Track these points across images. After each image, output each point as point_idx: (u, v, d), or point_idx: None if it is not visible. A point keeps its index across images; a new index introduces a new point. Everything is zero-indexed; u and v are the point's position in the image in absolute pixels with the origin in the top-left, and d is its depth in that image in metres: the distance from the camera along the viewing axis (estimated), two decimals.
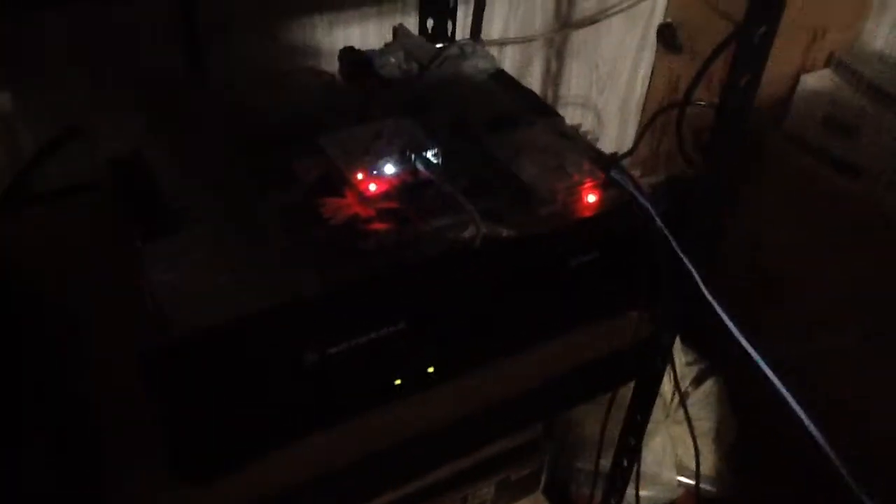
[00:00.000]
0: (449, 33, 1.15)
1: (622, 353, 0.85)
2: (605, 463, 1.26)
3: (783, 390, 0.69)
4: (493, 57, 1.01)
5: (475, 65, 0.98)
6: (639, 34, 1.40)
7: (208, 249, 0.70)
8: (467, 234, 0.72)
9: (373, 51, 1.03)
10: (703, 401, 1.29)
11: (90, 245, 0.88)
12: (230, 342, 0.63)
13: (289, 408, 0.71)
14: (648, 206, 0.77)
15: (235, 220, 0.74)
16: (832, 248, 1.26)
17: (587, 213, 0.76)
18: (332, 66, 1.06)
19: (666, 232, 0.76)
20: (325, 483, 0.73)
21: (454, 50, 0.99)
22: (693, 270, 0.75)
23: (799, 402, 0.68)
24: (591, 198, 0.76)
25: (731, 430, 1.31)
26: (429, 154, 0.77)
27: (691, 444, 1.23)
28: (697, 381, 1.32)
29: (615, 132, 1.52)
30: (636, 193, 0.77)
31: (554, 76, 1.35)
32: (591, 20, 1.30)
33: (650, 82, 1.48)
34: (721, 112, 0.73)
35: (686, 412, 1.05)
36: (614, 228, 0.77)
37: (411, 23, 1.15)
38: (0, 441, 0.71)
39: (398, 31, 1.09)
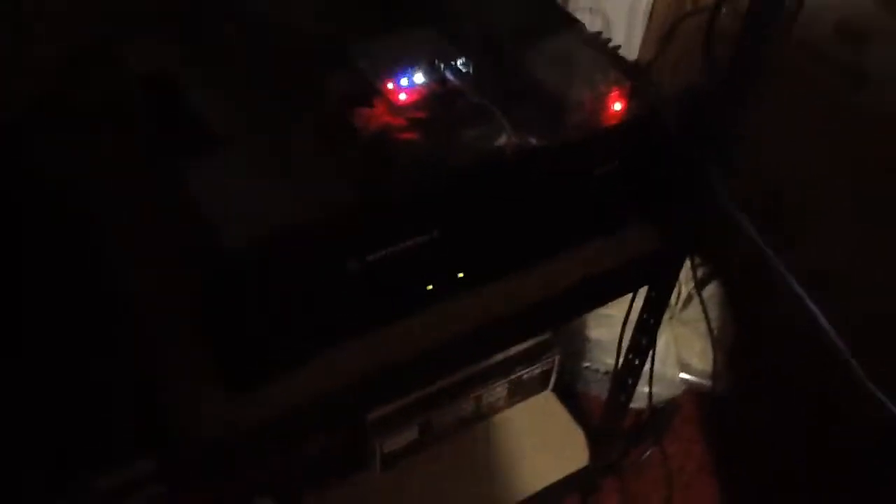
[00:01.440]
0: None
1: (638, 261, 0.88)
2: (610, 361, 1.32)
3: (801, 293, 0.72)
4: None
5: None
6: None
7: (249, 165, 0.72)
8: (498, 143, 0.74)
9: None
10: (707, 301, 1.34)
11: (122, 162, 0.89)
12: (278, 252, 0.65)
13: (330, 314, 0.74)
14: (670, 114, 0.78)
15: (271, 135, 0.75)
16: (837, 158, 1.28)
17: (613, 122, 0.78)
18: None
19: (690, 142, 0.78)
20: (359, 388, 0.77)
21: None
22: (715, 180, 0.77)
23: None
24: (617, 106, 0.78)
25: (733, 330, 1.36)
26: (458, 63, 0.78)
27: (694, 343, 1.29)
28: (702, 283, 1.37)
29: (623, 37, 1.51)
30: (658, 102, 0.79)
31: None
32: None
33: None
34: (751, 20, 0.73)
35: (704, 307, 1.10)
36: (639, 137, 0.79)
37: None
38: (52, 343, 0.75)
39: None
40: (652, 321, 0.99)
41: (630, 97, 0.79)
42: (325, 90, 0.79)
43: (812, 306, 0.71)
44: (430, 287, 0.78)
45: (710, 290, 1.37)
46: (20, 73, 0.93)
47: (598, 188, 0.81)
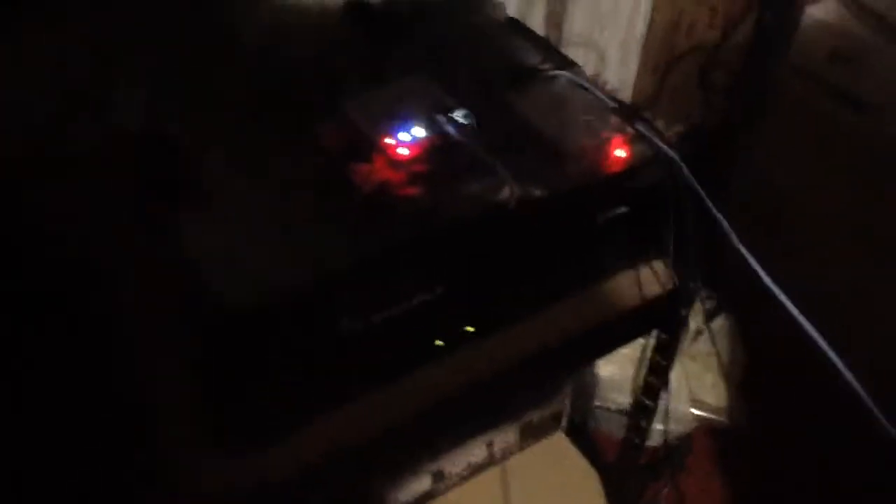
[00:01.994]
0: None
1: (649, 302, 0.86)
2: (624, 400, 1.30)
3: (807, 325, 0.70)
4: (503, 4, 1.00)
5: (488, 13, 0.97)
6: None
7: (244, 222, 0.70)
8: (502, 195, 0.72)
9: (380, 1, 1.01)
10: (716, 335, 1.32)
11: (108, 213, 0.87)
12: (276, 314, 0.64)
13: (332, 374, 0.72)
14: (677, 158, 0.77)
15: (265, 190, 0.74)
16: (835, 180, 1.27)
17: (616, 169, 0.77)
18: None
19: (695, 184, 0.77)
20: (367, 447, 0.75)
21: None
22: (722, 220, 0.76)
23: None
24: (620, 153, 0.77)
25: (742, 363, 1.35)
26: (457, 115, 0.77)
27: (705, 378, 1.28)
28: (709, 317, 1.35)
29: (617, 71, 1.51)
30: (663, 147, 0.77)
31: (558, 16, 1.33)
32: None
33: (651, 19, 1.47)
34: (755, 59, 0.72)
35: (714, 341, 1.08)
36: (642, 182, 0.78)
37: None
38: (41, 406, 0.73)
39: None
40: (664, 363, 0.97)
41: (632, 143, 0.78)
42: (321, 144, 0.78)
43: (814, 333, 0.70)
44: (439, 342, 0.76)
45: (718, 322, 1.35)
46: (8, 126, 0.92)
47: (604, 233, 0.80)
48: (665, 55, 1.47)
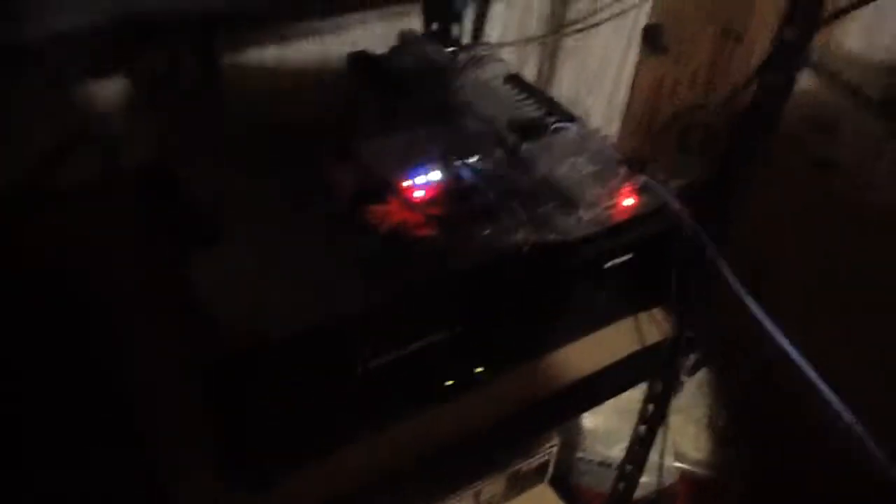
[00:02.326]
0: (454, 37, 1.16)
1: (649, 349, 0.88)
2: (609, 453, 1.31)
3: (808, 370, 0.73)
4: (504, 62, 1.03)
5: (491, 69, 1.00)
6: (625, 35, 1.44)
7: (254, 260, 0.71)
8: (516, 239, 0.74)
9: (384, 55, 1.04)
10: (697, 390, 1.35)
11: (113, 251, 0.87)
12: (289, 353, 0.64)
13: (343, 414, 0.72)
14: (682, 208, 0.80)
15: (276, 228, 0.75)
16: (816, 243, 1.32)
17: (625, 217, 0.79)
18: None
19: (702, 233, 0.79)
20: (376, 487, 0.74)
21: (469, 54, 1.01)
22: (727, 270, 0.78)
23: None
24: (629, 202, 0.79)
25: (723, 416, 1.37)
26: (472, 160, 0.79)
27: (688, 429, 1.29)
28: (690, 370, 1.37)
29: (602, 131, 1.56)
30: (670, 198, 0.80)
31: (546, 77, 1.38)
32: (584, 22, 1.33)
33: (634, 83, 1.53)
34: (754, 114, 0.76)
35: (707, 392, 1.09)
36: (649, 231, 0.80)
37: (415, 25, 1.16)
38: (48, 449, 0.71)
39: (406, 36, 1.10)
40: (658, 413, 0.99)
41: (640, 193, 0.81)
42: (333, 186, 0.79)
43: (815, 378, 0.72)
44: (450, 383, 0.77)
45: (700, 376, 1.38)
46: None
47: (610, 279, 0.82)
48: (647, 117, 1.52)
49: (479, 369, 0.78)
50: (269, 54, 1.07)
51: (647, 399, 1.01)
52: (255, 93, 1.08)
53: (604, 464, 1.34)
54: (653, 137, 1.47)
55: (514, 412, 0.81)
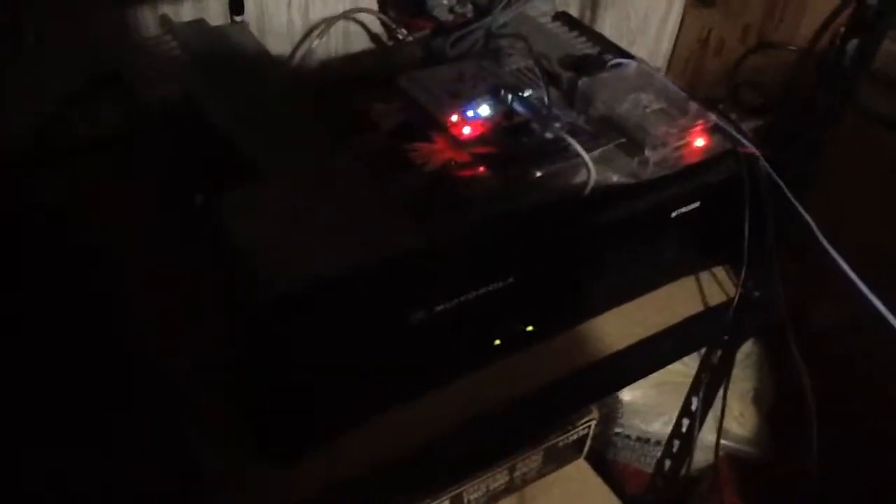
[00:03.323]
0: None
1: (712, 312, 0.80)
2: (647, 428, 1.23)
3: None
4: None
5: (537, 7, 0.92)
6: None
7: (290, 200, 0.63)
8: (577, 179, 0.66)
9: None
10: (743, 362, 1.26)
11: (137, 198, 0.80)
12: (333, 301, 0.57)
13: (385, 373, 0.64)
14: (756, 151, 0.72)
15: (313, 168, 0.67)
16: (882, 208, 1.22)
17: (697, 159, 0.71)
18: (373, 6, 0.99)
19: (778, 180, 0.71)
20: (415, 459, 0.67)
21: None
22: (808, 218, 0.70)
23: None
24: (700, 142, 0.71)
25: (771, 392, 1.28)
26: (525, 94, 0.70)
27: (733, 406, 1.21)
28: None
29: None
30: (743, 139, 0.72)
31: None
32: None
33: (678, 36, 1.43)
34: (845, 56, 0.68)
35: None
36: (720, 175, 0.72)
37: None
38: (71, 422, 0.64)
39: None
40: (716, 382, 0.91)
41: (711, 133, 0.72)
42: (372, 121, 0.71)
43: None
44: (498, 341, 0.69)
45: (747, 348, 1.29)
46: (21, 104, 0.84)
47: (676, 230, 0.74)
48: (691, 72, 1.43)
49: (530, 328, 0.70)
50: None
51: (704, 368, 0.92)
52: (281, 32, 1.00)
53: (642, 439, 1.26)
54: (699, 93, 1.38)
55: (560, 379, 0.73)
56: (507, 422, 0.71)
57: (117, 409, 0.62)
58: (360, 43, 0.96)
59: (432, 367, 0.66)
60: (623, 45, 1.36)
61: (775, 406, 1.28)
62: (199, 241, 0.66)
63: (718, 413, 1.13)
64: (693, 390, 0.96)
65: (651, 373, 0.85)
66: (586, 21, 1.28)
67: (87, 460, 0.60)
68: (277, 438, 0.61)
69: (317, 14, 0.99)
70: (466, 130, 0.68)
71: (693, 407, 0.97)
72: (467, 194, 0.64)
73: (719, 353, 0.90)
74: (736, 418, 1.25)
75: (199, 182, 0.67)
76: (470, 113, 0.69)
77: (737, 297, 0.79)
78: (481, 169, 0.66)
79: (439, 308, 0.61)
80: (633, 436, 1.27)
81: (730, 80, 1.19)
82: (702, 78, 1.41)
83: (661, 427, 1.23)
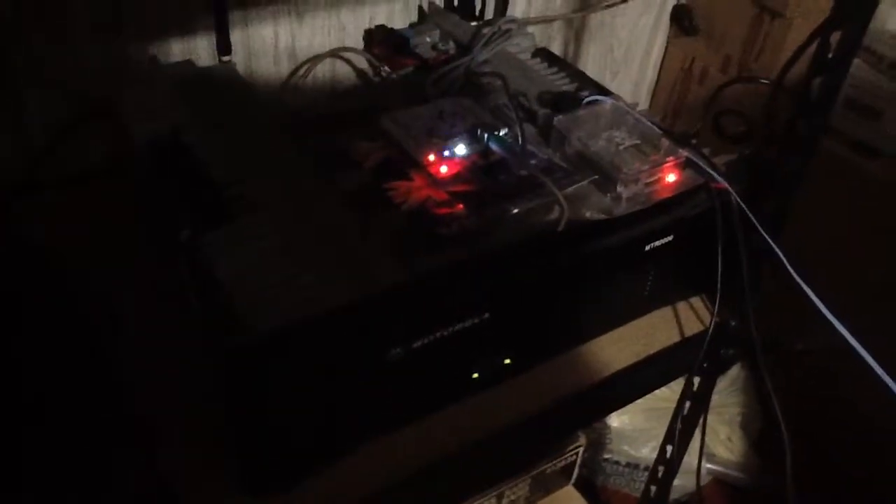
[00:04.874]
0: (477, 12, 1.10)
1: (690, 341, 0.81)
2: (635, 453, 1.24)
3: (883, 373, 0.66)
4: (533, 35, 0.97)
5: (518, 43, 0.94)
6: (654, 16, 1.37)
7: (273, 238, 0.65)
8: (551, 216, 0.68)
9: (406, 30, 0.98)
10: (730, 387, 1.28)
11: (122, 233, 0.81)
12: (311, 341, 0.58)
13: (364, 407, 0.66)
14: (727, 186, 0.73)
15: (296, 206, 0.69)
16: (855, 231, 1.25)
17: (667, 194, 0.73)
18: (358, 46, 1.01)
19: (748, 213, 0.73)
20: (394, 489, 0.68)
21: (495, 28, 0.95)
22: (780, 253, 0.72)
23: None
24: (672, 177, 0.73)
25: (758, 417, 1.30)
26: (501, 133, 0.73)
27: (719, 430, 1.22)
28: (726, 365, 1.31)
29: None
30: (715, 174, 0.74)
31: (572, 58, 1.32)
32: (611, 1, 1.27)
33: (662, 65, 1.46)
34: (811, 92, 0.70)
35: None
36: (693, 210, 0.74)
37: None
38: (51, 453, 0.65)
39: (428, 9, 1.04)
40: (696, 410, 0.92)
41: (683, 168, 0.74)
42: (354, 160, 0.73)
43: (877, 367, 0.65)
44: (476, 375, 0.70)
45: (734, 373, 1.31)
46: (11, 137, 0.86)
47: (650, 263, 0.76)
48: (676, 100, 1.46)
49: (507, 360, 0.71)
50: (283, 29, 1.02)
51: (684, 396, 0.94)
52: (267, 70, 1.03)
53: (631, 465, 1.27)
54: (677, 125, 1.40)
55: (543, 408, 0.74)
56: (492, 451, 0.72)
57: (96, 445, 0.64)
58: (346, 80, 0.98)
59: (410, 401, 0.67)
60: (607, 76, 1.40)
61: (763, 430, 1.29)
62: (183, 277, 0.68)
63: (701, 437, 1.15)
64: (675, 417, 0.97)
65: (632, 401, 0.86)
66: (570, 53, 1.31)
67: (68, 496, 0.61)
68: (257, 474, 0.63)
69: (303, 53, 1.02)
70: (444, 169, 0.70)
71: (676, 434, 0.98)
72: (444, 232, 0.66)
73: (698, 380, 0.91)
74: (723, 442, 1.26)
75: (184, 218, 0.69)
76: (447, 153, 0.71)
77: (711, 327, 0.81)
78: (458, 207, 0.68)
79: (417, 344, 0.62)
80: (623, 461, 1.28)
81: (708, 110, 1.22)
82: (686, 105, 1.44)
83: (649, 452, 1.24)
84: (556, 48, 1.30)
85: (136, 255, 0.79)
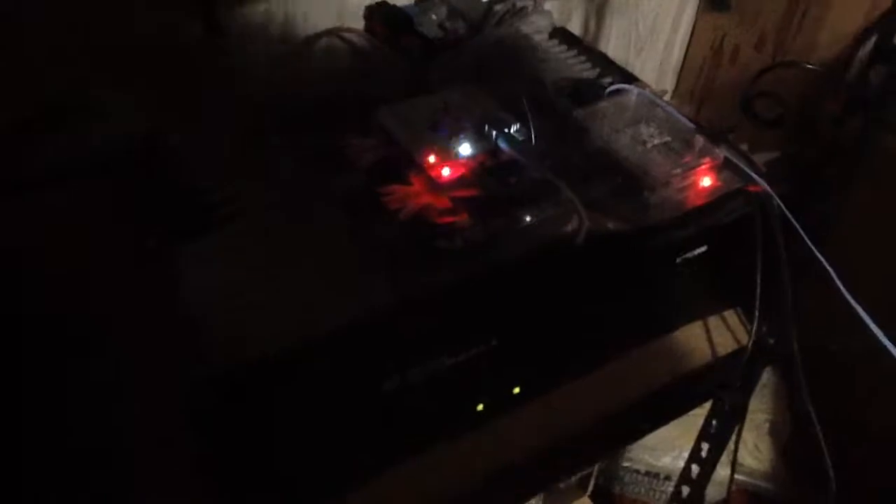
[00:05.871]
0: None
1: (724, 360, 0.73)
2: (655, 462, 1.16)
3: None
4: (550, 13, 0.87)
5: (534, 23, 0.85)
6: None
7: (255, 251, 0.57)
8: (568, 228, 0.59)
9: (410, 6, 0.89)
10: (759, 392, 1.19)
11: (98, 242, 0.73)
12: (291, 373, 0.51)
13: (358, 444, 0.58)
14: (769, 189, 0.65)
15: (283, 214, 0.61)
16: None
17: (700, 200, 0.64)
18: (358, 24, 0.92)
19: (793, 220, 0.64)
20: None
21: (508, 5, 0.85)
22: (827, 266, 0.63)
23: None
24: (707, 181, 0.64)
25: (787, 423, 1.21)
26: (512, 129, 0.64)
27: (747, 439, 1.14)
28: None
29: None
30: (755, 175, 0.65)
31: (593, 35, 1.22)
32: None
33: (690, 44, 1.35)
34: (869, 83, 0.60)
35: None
36: (729, 217, 0.65)
37: None
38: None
39: None
40: (727, 429, 0.84)
41: (719, 171, 0.65)
42: (349, 160, 0.65)
43: None
44: (481, 407, 0.62)
45: (763, 379, 1.22)
46: None
47: (681, 276, 0.67)
48: (704, 82, 1.35)
49: (517, 390, 0.63)
50: (276, 6, 0.93)
51: (712, 415, 0.86)
52: (259, 52, 0.94)
53: (651, 474, 1.20)
54: (706, 107, 1.30)
55: (556, 443, 0.66)
56: (496, 491, 0.64)
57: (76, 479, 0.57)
58: (344, 62, 0.89)
59: (405, 438, 0.60)
60: (630, 54, 1.30)
61: (792, 437, 1.21)
62: (154, 292, 0.60)
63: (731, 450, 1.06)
64: (703, 436, 0.89)
65: (659, 427, 0.78)
66: (591, 29, 1.21)
67: None
68: None
69: (300, 32, 0.93)
70: (446, 172, 0.61)
71: (703, 453, 0.90)
72: (447, 245, 0.57)
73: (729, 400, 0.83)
74: (751, 451, 1.18)
75: (156, 225, 0.61)
76: (450, 152, 0.62)
77: (750, 346, 0.72)
78: (462, 216, 0.59)
79: (414, 375, 0.55)
80: (642, 470, 1.20)
81: (744, 96, 1.12)
82: (715, 88, 1.34)
83: (670, 462, 1.16)
84: (576, 23, 1.20)
85: (107, 267, 0.71)
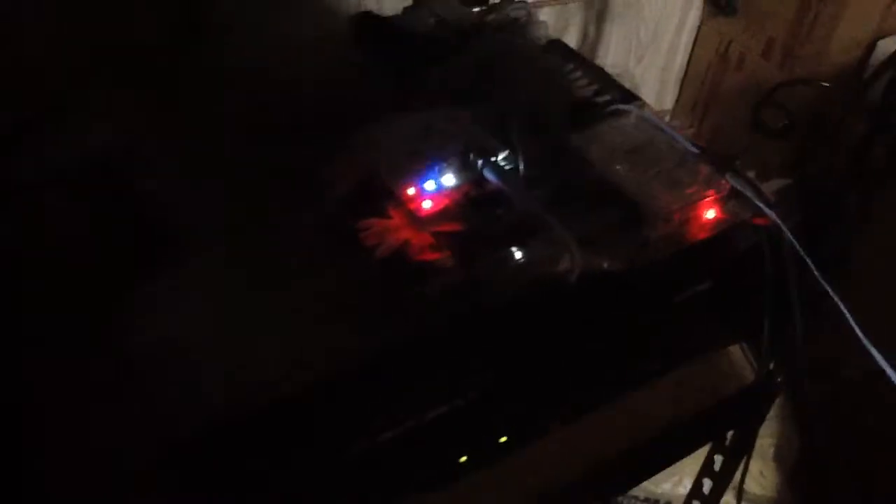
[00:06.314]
0: None
1: (733, 395, 0.68)
2: (654, 489, 1.12)
3: None
4: (545, 24, 0.82)
5: (527, 34, 0.80)
6: None
7: (218, 293, 0.53)
8: (560, 267, 0.54)
9: (397, 16, 0.84)
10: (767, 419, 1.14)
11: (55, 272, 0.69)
12: (259, 433, 0.46)
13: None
14: (779, 222, 0.59)
15: (244, 249, 0.56)
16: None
17: (704, 234, 0.59)
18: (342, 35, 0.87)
19: (803, 254, 0.59)
20: None
21: (500, 16, 0.80)
22: (842, 306, 0.58)
23: None
24: (711, 213, 0.59)
25: (793, 448, 1.16)
26: (499, 157, 0.59)
27: (752, 465, 1.09)
28: None
29: (652, 103, 1.34)
30: (763, 206, 0.60)
31: (591, 43, 1.17)
32: None
33: (693, 50, 1.30)
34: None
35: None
36: (738, 252, 0.60)
37: None
38: None
39: None
40: (729, 467, 0.79)
41: (725, 201, 0.60)
42: (321, 188, 0.60)
43: None
44: (464, 459, 0.57)
45: None
46: None
47: (681, 314, 0.62)
48: (709, 89, 1.30)
49: (503, 439, 0.58)
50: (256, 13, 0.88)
51: (715, 450, 0.81)
52: (242, 60, 0.89)
53: (650, 500, 1.15)
54: (709, 117, 1.25)
55: (547, 491, 0.62)
56: None
57: None
58: (325, 77, 0.84)
59: (382, 494, 0.55)
60: (631, 61, 1.25)
61: (798, 463, 1.16)
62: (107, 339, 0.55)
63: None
64: (704, 470, 0.84)
65: (663, 469, 0.73)
66: (590, 37, 1.16)
67: None
68: None
69: (279, 43, 0.88)
70: (427, 205, 0.56)
71: (705, 489, 0.85)
72: (425, 290, 0.52)
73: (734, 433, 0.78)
74: (756, 478, 1.14)
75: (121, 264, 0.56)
76: (431, 184, 0.57)
77: (756, 383, 0.67)
78: (443, 254, 0.54)
79: (386, 436, 0.50)
80: (641, 496, 1.15)
81: (755, 109, 1.07)
82: (720, 96, 1.29)
83: (670, 488, 1.12)
84: (575, 29, 1.15)
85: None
